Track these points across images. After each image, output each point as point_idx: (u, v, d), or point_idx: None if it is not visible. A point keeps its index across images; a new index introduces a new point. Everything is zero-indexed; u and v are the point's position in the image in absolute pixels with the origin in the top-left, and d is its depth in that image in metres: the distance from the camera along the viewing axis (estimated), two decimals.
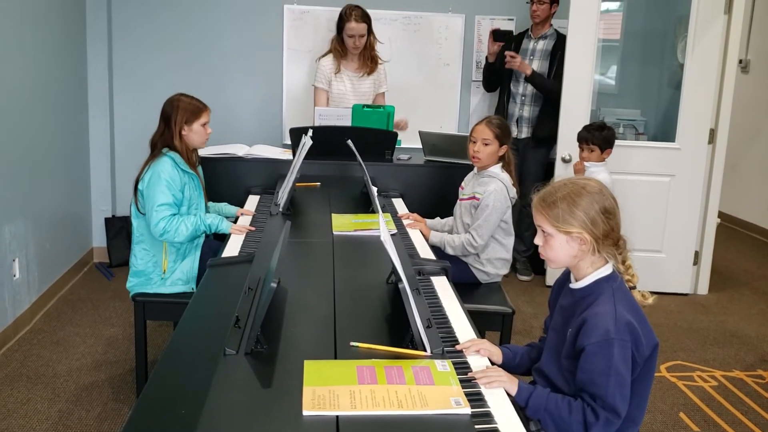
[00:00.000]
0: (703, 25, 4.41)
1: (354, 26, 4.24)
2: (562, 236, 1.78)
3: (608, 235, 1.77)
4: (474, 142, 3.15)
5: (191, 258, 3.05)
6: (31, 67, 3.87)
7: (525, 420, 1.58)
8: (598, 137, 3.93)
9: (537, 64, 4.65)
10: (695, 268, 4.72)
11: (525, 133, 4.73)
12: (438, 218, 3.43)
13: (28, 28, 3.82)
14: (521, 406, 1.73)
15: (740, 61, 6.00)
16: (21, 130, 3.73)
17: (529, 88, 4.67)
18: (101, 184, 4.88)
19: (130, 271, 3.06)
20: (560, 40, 4.61)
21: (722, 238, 5.55)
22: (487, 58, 4.82)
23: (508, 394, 1.70)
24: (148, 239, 3.02)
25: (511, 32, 4.77)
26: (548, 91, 4.61)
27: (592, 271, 1.80)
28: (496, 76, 4.83)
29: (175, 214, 2.95)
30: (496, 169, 3.16)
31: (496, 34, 4.72)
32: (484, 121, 3.16)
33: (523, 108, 4.73)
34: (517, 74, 4.72)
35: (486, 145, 3.12)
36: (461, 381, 1.66)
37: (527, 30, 4.77)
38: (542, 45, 4.68)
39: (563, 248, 1.79)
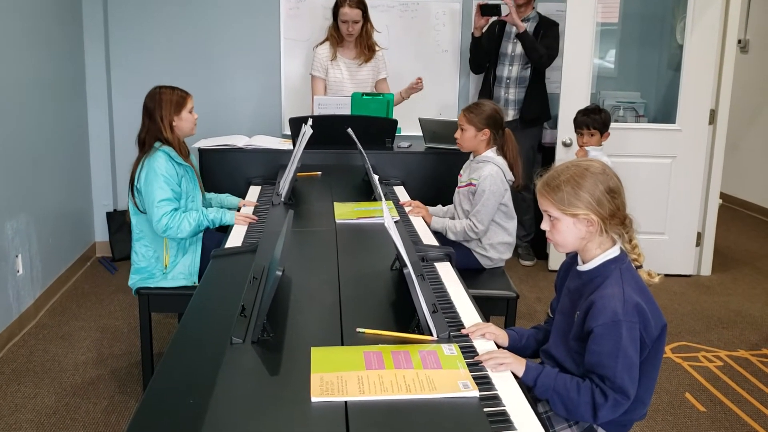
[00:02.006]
0: (702, 5, 4.39)
1: (347, 11, 4.22)
2: (569, 219, 1.77)
3: (614, 214, 1.77)
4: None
5: (192, 252, 3.04)
6: (29, 63, 3.85)
7: (533, 402, 1.58)
8: (597, 121, 3.92)
9: (520, 48, 4.63)
10: (698, 249, 4.72)
11: (512, 115, 4.71)
12: (440, 206, 3.43)
13: (25, 24, 3.80)
14: (529, 386, 1.73)
15: (739, 41, 5.97)
16: (20, 126, 3.72)
17: (514, 71, 4.67)
18: (102, 179, 4.88)
19: (131, 268, 3.05)
20: (542, 22, 4.61)
21: (724, 218, 5.55)
22: (473, 34, 4.73)
23: (516, 377, 1.70)
24: (148, 235, 3.01)
25: (498, 6, 4.67)
26: (537, 53, 4.54)
27: (599, 253, 1.80)
28: (484, 55, 4.75)
29: (176, 209, 2.95)
30: (490, 153, 3.17)
31: (484, 9, 4.60)
32: (464, 107, 3.23)
33: (509, 91, 4.72)
34: (502, 58, 4.71)
35: (463, 130, 3.16)
36: (468, 364, 1.66)
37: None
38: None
39: (571, 231, 1.78)
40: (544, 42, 4.58)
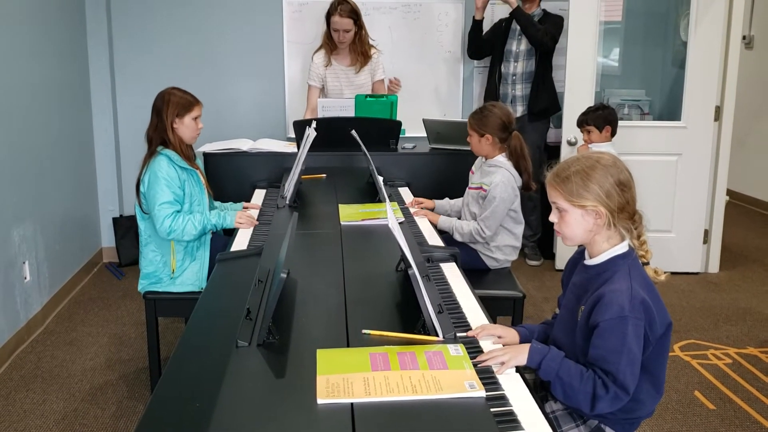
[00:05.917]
0: (706, 1, 4.37)
1: (338, 20, 4.21)
2: (576, 211, 1.76)
3: (623, 208, 1.76)
4: None
5: (201, 259, 3.04)
6: (33, 69, 3.87)
7: (540, 402, 1.58)
8: (592, 117, 3.92)
9: (525, 44, 4.62)
10: (705, 246, 4.70)
11: (520, 111, 4.70)
12: (447, 198, 3.42)
13: (29, 31, 3.82)
14: (534, 368, 1.72)
15: (744, 37, 5.95)
16: (25, 133, 3.73)
17: (520, 67, 4.66)
18: (107, 185, 4.89)
19: (140, 274, 3.06)
20: (546, 18, 4.60)
21: (731, 215, 5.52)
22: (474, 17, 4.68)
23: (519, 369, 1.69)
24: (156, 240, 3.02)
25: None
26: (534, 29, 4.51)
27: (608, 248, 1.79)
28: (483, 40, 4.72)
29: (178, 211, 2.95)
30: (501, 158, 3.16)
31: None
32: (470, 113, 3.23)
33: (515, 87, 4.71)
34: (507, 55, 4.70)
35: (470, 136, 3.17)
36: (474, 365, 1.65)
37: None
38: None
39: (578, 223, 1.77)
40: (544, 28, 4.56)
